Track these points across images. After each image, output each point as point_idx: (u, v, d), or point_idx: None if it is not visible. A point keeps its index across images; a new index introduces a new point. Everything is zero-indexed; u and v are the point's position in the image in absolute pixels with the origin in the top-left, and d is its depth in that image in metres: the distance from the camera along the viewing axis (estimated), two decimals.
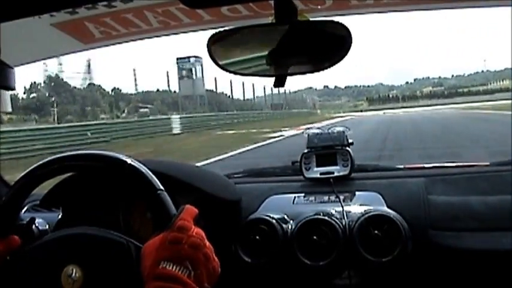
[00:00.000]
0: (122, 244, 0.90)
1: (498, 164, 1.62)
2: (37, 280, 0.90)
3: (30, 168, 0.97)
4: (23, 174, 0.97)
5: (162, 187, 0.93)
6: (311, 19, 0.92)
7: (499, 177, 1.46)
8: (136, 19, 1.69)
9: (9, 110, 0.91)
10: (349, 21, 0.98)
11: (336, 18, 0.90)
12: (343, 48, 0.88)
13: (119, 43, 1.84)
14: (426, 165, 1.70)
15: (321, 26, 0.92)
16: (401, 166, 1.72)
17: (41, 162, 0.97)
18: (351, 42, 0.88)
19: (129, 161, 0.95)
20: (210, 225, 1.32)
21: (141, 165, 0.94)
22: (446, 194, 1.43)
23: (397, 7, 1.81)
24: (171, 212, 0.90)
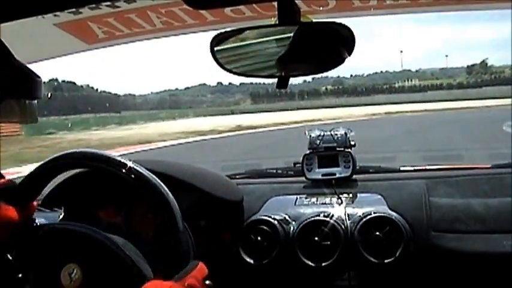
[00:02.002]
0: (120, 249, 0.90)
1: (499, 166, 1.62)
2: (37, 277, 0.90)
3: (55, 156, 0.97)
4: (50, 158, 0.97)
5: (183, 226, 0.92)
6: (314, 20, 0.92)
7: (500, 179, 1.46)
8: (140, 19, 1.70)
9: (36, 121, 0.91)
10: (352, 22, 0.98)
11: (339, 20, 0.90)
12: (346, 49, 0.88)
13: (123, 43, 1.85)
14: (428, 167, 1.69)
15: (323, 27, 0.92)
16: (403, 168, 1.71)
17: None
18: (354, 43, 0.88)
19: (148, 175, 0.93)
20: (211, 225, 1.33)
21: (159, 182, 0.94)
22: (447, 196, 1.43)
23: (398, 9, 1.81)
24: (183, 255, 0.90)
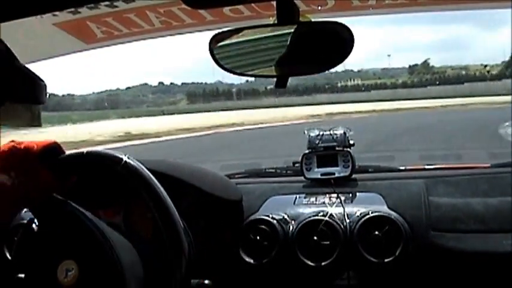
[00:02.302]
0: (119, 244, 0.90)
1: (499, 166, 1.62)
2: (34, 272, 0.91)
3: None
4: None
5: (182, 225, 0.93)
6: (313, 20, 0.92)
7: (500, 178, 1.46)
8: (139, 19, 1.69)
9: (40, 125, 0.91)
10: (351, 22, 0.98)
11: (338, 19, 0.90)
12: (345, 48, 0.88)
13: (121, 43, 1.85)
14: (427, 167, 1.70)
15: (322, 26, 0.92)
16: (402, 167, 1.72)
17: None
18: (353, 43, 0.88)
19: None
20: (211, 225, 1.32)
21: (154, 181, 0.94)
22: (447, 196, 1.43)
23: (398, 9, 1.81)
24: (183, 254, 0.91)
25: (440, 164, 1.75)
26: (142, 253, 0.96)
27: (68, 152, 1.00)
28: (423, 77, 54.21)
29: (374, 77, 59.27)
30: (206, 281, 0.92)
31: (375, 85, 55.17)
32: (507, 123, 10.84)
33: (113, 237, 0.93)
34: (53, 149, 0.97)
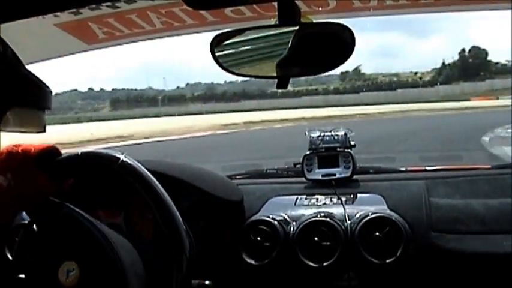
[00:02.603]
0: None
1: (499, 167, 1.62)
2: (35, 274, 0.91)
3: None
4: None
5: (183, 226, 0.93)
6: (314, 21, 0.92)
7: (500, 180, 1.46)
8: (140, 20, 1.70)
9: (45, 130, 0.92)
10: (352, 23, 0.99)
11: (339, 20, 0.91)
12: (346, 49, 0.88)
13: (122, 44, 1.85)
14: (428, 168, 1.70)
15: (324, 27, 0.92)
16: (403, 168, 1.72)
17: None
18: (354, 44, 0.88)
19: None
20: (211, 226, 1.33)
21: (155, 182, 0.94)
22: (447, 197, 1.43)
23: (399, 9, 1.81)
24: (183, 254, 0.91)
25: (440, 165, 1.75)
26: (142, 253, 0.96)
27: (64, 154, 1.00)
28: (355, 84, 54.93)
29: (305, 83, 59.35)
30: (207, 282, 0.92)
31: (305, 91, 55.46)
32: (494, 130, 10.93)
33: (113, 237, 0.93)
34: (50, 152, 0.97)
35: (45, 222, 0.94)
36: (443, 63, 60.53)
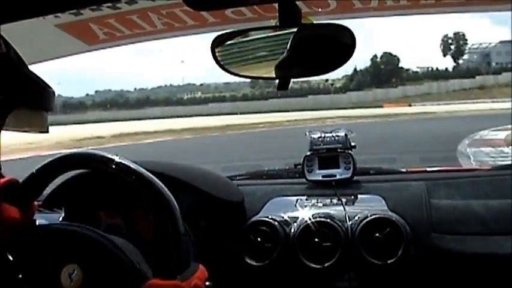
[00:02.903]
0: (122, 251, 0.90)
1: (500, 168, 1.62)
2: (37, 277, 0.90)
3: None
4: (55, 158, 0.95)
5: (184, 227, 0.92)
6: (315, 22, 0.92)
7: (501, 181, 1.46)
8: (141, 21, 1.70)
9: (48, 131, 0.91)
10: (352, 24, 0.99)
11: (340, 21, 0.91)
12: (347, 51, 0.88)
13: (123, 44, 1.85)
14: (428, 169, 1.70)
15: (324, 29, 0.92)
16: (404, 169, 1.72)
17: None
18: (354, 46, 0.88)
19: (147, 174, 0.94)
20: (212, 226, 1.33)
21: (159, 182, 0.94)
22: (448, 198, 1.43)
23: (399, 10, 1.81)
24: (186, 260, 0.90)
25: (441, 166, 1.75)
26: (143, 254, 0.96)
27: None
28: (264, 90, 54.68)
29: (215, 90, 59.54)
30: (207, 282, 0.92)
31: (213, 98, 55.47)
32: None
33: (114, 238, 0.93)
34: (11, 184, 0.95)
35: (26, 249, 0.93)
36: (355, 69, 61.16)
